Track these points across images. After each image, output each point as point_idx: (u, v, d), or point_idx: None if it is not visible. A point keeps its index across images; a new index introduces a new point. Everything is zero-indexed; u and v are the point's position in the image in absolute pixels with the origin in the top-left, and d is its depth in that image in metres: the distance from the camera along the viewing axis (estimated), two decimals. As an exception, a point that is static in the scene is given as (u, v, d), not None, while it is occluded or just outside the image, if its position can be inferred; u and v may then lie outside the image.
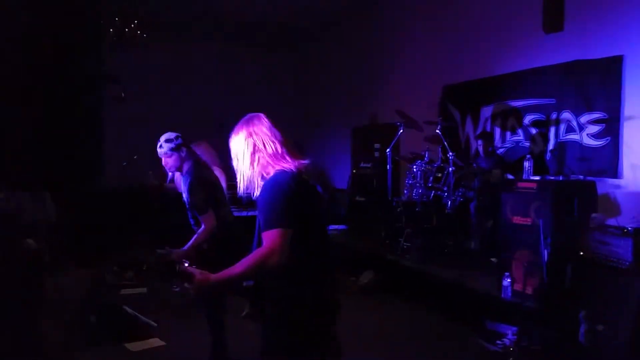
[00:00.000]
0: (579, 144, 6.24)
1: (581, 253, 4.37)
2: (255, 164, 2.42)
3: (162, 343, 5.02)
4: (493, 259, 5.88)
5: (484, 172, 6.52)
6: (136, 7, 8.34)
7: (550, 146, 6.58)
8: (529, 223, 4.85)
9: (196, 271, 2.25)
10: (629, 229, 4.12)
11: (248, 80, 11.60)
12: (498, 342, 4.62)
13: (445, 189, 6.63)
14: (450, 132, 7.71)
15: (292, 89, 12.64)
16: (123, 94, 7.17)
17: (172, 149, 4.00)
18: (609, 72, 5.88)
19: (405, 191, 7.29)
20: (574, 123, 6.31)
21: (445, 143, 6.87)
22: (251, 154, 2.43)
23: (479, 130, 7.64)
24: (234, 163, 2.50)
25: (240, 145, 2.46)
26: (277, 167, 2.38)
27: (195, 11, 9.79)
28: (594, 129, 6.08)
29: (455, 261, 6.26)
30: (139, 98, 10.06)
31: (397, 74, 9.48)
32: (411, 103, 8.38)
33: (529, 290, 4.80)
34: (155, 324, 5.38)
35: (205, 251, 3.92)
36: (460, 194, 6.67)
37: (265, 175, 2.42)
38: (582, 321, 4.12)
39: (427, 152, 7.03)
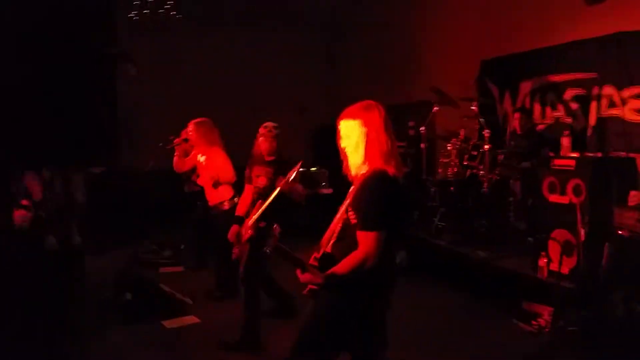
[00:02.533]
0: (621, 120, 5.99)
1: (619, 232, 4.24)
2: (363, 153, 2.45)
3: (197, 320, 5.13)
4: (530, 239, 5.75)
5: (524, 151, 6.33)
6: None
7: (592, 122, 6.36)
8: (567, 202, 4.72)
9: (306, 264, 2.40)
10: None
11: (278, 59, 11.52)
12: (533, 322, 4.56)
13: (481, 167, 6.50)
14: (488, 109, 7.52)
15: (324, 67, 12.52)
16: (136, 70, 7.23)
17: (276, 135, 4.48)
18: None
19: (439, 170, 7.18)
20: (617, 98, 6.06)
21: (482, 120, 6.71)
22: (365, 144, 2.44)
23: (518, 106, 7.43)
24: (342, 143, 2.53)
25: (354, 130, 2.48)
26: (379, 165, 2.41)
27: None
28: (637, 103, 5.83)
29: (490, 241, 6.14)
30: (167, 79, 10.16)
31: (432, 49, 9.27)
32: (447, 79, 8.19)
33: (565, 270, 4.69)
34: (191, 301, 5.50)
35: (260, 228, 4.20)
36: (497, 172, 6.53)
37: (365, 166, 2.45)
38: (620, 301, 4.01)
39: (462, 130, 6.88)
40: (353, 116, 2.48)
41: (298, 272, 2.41)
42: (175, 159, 5.63)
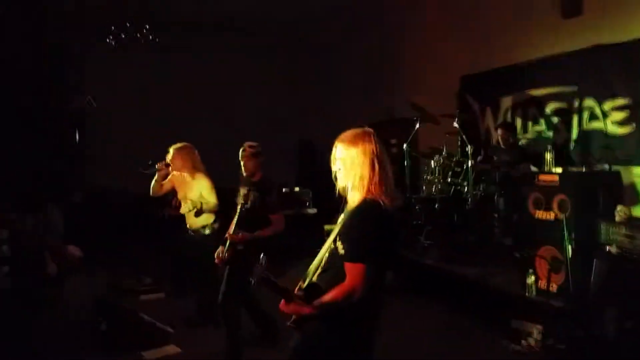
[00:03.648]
0: (603, 132, 5.99)
1: (607, 248, 4.18)
2: (356, 181, 2.39)
3: (179, 350, 4.97)
4: (517, 254, 5.69)
5: (508, 165, 6.30)
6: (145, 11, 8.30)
7: (574, 135, 6.35)
8: (552, 218, 4.67)
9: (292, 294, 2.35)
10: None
11: (257, 77, 11.49)
12: (522, 341, 4.49)
13: (465, 183, 6.45)
14: (469, 125, 7.50)
15: (304, 84, 12.50)
16: (93, 101, 7.14)
17: (253, 154, 4.43)
18: (632, 56, 5.61)
19: (423, 187, 7.12)
20: (598, 110, 6.06)
21: (464, 136, 6.68)
22: (359, 172, 2.38)
23: (499, 121, 7.42)
24: (336, 168, 2.47)
25: (349, 156, 2.41)
26: (372, 195, 2.35)
27: (201, 12, 9.72)
28: (618, 115, 5.82)
29: (477, 258, 6.07)
30: (142, 101, 10.07)
31: (413, 65, 9.27)
32: (428, 96, 8.18)
33: (553, 288, 4.62)
34: (172, 330, 5.33)
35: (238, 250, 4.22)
36: (481, 188, 6.48)
37: (357, 194, 2.40)
38: (611, 319, 3.94)
39: (445, 146, 6.84)
40: (349, 142, 2.43)
41: (283, 302, 2.35)
42: (153, 183, 5.49)
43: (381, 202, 2.33)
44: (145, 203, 6.70)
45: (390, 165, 2.45)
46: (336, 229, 2.46)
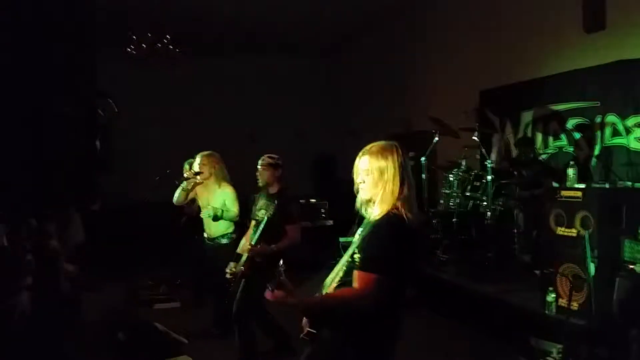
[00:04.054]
0: (626, 149, 5.89)
1: (631, 266, 4.08)
2: (380, 194, 2.35)
3: (191, 361, 4.94)
4: (536, 272, 5.59)
5: (529, 180, 6.21)
6: (165, 23, 8.37)
7: (596, 151, 6.25)
8: (574, 234, 4.57)
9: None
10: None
11: (278, 89, 11.55)
12: (541, 360, 4.38)
13: (484, 198, 6.37)
14: (489, 139, 7.43)
15: (323, 97, 12.54)
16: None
17: (272, 165, 4.44)
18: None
19: (441, 201, 7.04)
20: (620, 126, 5.97)
21: (483, 150, 6.61)
22: (384, 185, 2.34)
23: (520, 136, 7.34)
24: (360, 180, 2.42)
25: (374, 169, 2.36)
26: (395, 208, 2.31)
27: (223, 22, 9.78)
28: (642, 132, 5.74)
29: (496, 274, 5.97)
30: (162, 108, 10.16)
31: (432, 79, 9.25)
32: (447, 109, 8.13)
33: (574, 306, 4.51)
34: (186, 341, 5.30)
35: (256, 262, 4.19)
36: (500, 203, 6.39)
37: (379, 208, 2.35)
38: (633, 339, 3.83)
39: (464, 160, 6.78)
40: (378, 154, 2.39)
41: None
42: (180, 192, 5.38)
43: (405, 217, 2.29)
44: (162, 212, 6.70)
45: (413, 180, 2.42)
46: (354, 242, 2.41)
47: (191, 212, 6.16)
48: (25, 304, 4.45)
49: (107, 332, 5.03)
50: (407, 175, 2.37)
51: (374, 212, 2.38)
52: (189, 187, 5.36)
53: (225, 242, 5.24)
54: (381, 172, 2.35)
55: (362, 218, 2.50)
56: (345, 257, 2.41)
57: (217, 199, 5.24)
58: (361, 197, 2.43)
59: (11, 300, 4.25)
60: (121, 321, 5.07)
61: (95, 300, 6.45)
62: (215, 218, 5.16)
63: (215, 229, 5.30)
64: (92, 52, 4.19)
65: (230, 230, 5.29)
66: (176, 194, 5.39)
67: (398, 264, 2.25)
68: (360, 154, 2.45)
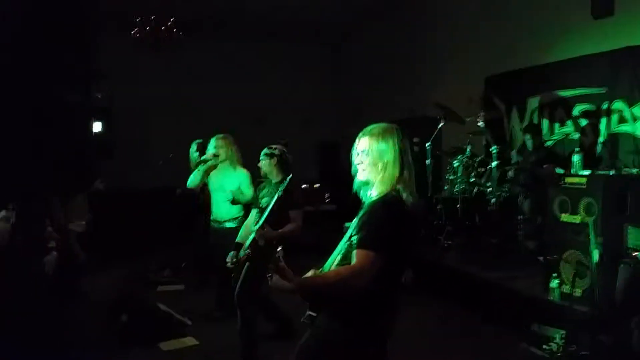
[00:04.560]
0: (632, 136, 5.85)
1: (634, 253, 4.07)
2: (378, 176, 2.34)
3: (196, 342, 4.98)
4: (540, 259, 5.58)
5: (533, 166, 6.19)
6: (170, 7, 8.32)
7: (602, 138, 6.21)
8: (578, 221, 4.56)
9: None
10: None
11: (284, 75, 11.51)
12: (545, 346, 4.38)
13: (488, 184, 6.35)
14: (494, 125, 7.39)
15: (328, 83, 12.49)
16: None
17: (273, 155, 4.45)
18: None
19: (445, 187, 7.03)
20: (627, 113, 5.92)
21: (489, 136, 6.58)
22: (383, 167, 2.33)
23: (526, 122, 7.30)
24: (358, 161, 2.40)
25: (384, 153, 2.34)
26: (392, 190, 2.29)
27: (230, 9, 9.72)
28: (649, 119, 5.70)
29: (499, 260, 5.97)
30: (175, 96, 10.15)
31: (437, 65, 9.19)
32: (452, 95, 8.09)
33: (577, 292, 4.52)
34: (190, 322, 5.34)
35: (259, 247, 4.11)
36: (505, 189, 6.38)
37: (377, 189, 2.34)
38: (636, 327, 3.83)
39: (469, 146, 6.75)
40: (378, 136, 2.37)
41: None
42: (197, 175, 5.33)
43: (404, 198, 2.28)
44: (167, 195, 6.73)
45: (413, 164, 2.40)
46: (352, 225, 2.38)
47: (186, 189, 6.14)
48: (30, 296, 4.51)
49: (111, 314, 5.08)
50: (407, 159, 2.35)
51: (372, 195, 2.37)
52: (210, 170, 5.33)
53: (232, 226, 5.21)
54: (380, 154, 2.34)
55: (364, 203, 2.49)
56: (344, 240, 2.39)
57: (232, 182, 5.20)
58: (359, 178, 2.42)
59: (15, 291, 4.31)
60: (125, 303, 5.10)
61: (100, 282, 6.53)
62: (233, 201, 5.14)
63: (227, 212, 5.26)
64: (90, 36, 4.19)
65: (241, 214, 5.26)
66: (192, 177, 5.36)
67: (395, 243, 2.22)
68: (360, 134, 2.43)
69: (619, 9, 5.99)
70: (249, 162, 5.25)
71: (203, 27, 9.91)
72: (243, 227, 4.60)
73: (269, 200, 4.24)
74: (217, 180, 5.30)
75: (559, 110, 6.86)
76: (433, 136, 7.06)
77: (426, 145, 7.03)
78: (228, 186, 5.17)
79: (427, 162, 7.03)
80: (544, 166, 6.01)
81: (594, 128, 6.28)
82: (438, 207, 6.94)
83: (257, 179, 4.80)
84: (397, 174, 2.31)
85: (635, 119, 5.84)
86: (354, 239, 2.27)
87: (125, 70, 9.31)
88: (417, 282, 6.22)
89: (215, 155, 5.22)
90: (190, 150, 6.00)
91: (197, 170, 5.34)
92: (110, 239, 7.34)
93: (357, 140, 2.43)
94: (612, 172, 4.79)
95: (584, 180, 4.60)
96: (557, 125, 6.93)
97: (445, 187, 7.04)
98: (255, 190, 4.76)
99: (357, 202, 2.54)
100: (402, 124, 2.53)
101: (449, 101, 7.36)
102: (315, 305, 2.35)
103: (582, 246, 4.46)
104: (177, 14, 8.43)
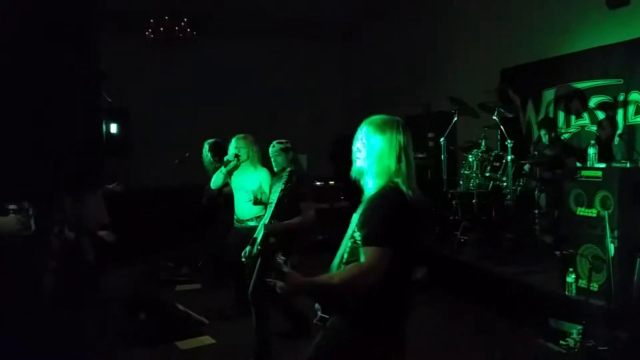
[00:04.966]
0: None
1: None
2: (384, 170, 2.34)
3: (213, 341, 5.02)
4: (557, 253, 5.53)
5: (551, 160, 6.12)
6: (181, 5, 8.38)
7: (619, 130, 6.13)
8: (595, 215, 4.51)
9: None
10: None
11: (296, 71, 11.50)
12: (561, 341, 4.34)
13: (504, 178, 6.30)
14: (510, 118, 7.33)
15: (341, 79, 12.45)
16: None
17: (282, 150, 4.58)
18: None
19: (461, 182, 6.98)
20: (644, 104, 5.85)
21: (504, 130, 6.52)
22: (383, 158, 2.33)
23: (541, 115, 7.22)
24: (357, 147, 2.43)
25: (381, 144, 2.35)
26: (392, 182, 2.30)
27: (239, 7, 9.74)
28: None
29: (515, 256, 5.94)
30: (186, 94, 10.21)
31: (452, 59, 9.12)
32: (467, 89, 8.01)
33: (594, 287, 4.48)
34: (207, 321, 5.38)
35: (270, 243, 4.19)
36: (521, 183, 6.32)
37: (376, 181, 2.35)
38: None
39: (484, 140, 6.70)
40: (377, 127, 2.38)
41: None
42: (220, 175, 5.34)
43: (404, 191, 2.27)
44: (185, 194, 6.78)
45: (414, 159, 2.40)
46: (352, 221, 2.39)
47: (211, 193, 6.20)
48: (51, 285, 4.57)
49: (129, 312, 5.14)
50: (406, 153, 2.34)
51: (370, 188, 2.37)
52: (233, 170, 5.32)
53: (254, 225, 5.22)
54: (376, 144, 2.35)
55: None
56: (347, 238, 2.40)
57: (253, 181, 5.22)
58: (356, 166, 2.43)
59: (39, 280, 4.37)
60: (143, 302, 5.15)
61: (118, 281, 6.61)
62: (256, 201, 5.15)
63: (249, 212, 5.28)
64: (96, 36, 4.22)
65: (263, 213, 5.27)
66: (215, 178, 5.38)
67: (399, 234, 2.21)
68: (362, 124, 2.45)
69: (635, -1, 5.91)
70: (263, 160, 5.28)
71: (215, 26, 9.95)
72: (260, 224, 4.63)
73: (277, 195, 4.28)
74: (239, 180, 5.32)
75: (575, 103, 6.78)
76: (447, 131, 7.02)
77: (440, 140, 6.99)
78: (249, 186, 5.18)
79: (442, 157, 7.00)
80: (566, 160, 5.95)
81: (611, 120, 6.20)
82: (454, 203, 6.89)
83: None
84: (392, 166, 2.31)
85: (652, 110, 5.76)
86: (356, 235, 2.27)
87: (138, 70, 9.39)
88: (432, 279, 6.22)
89: (237, 156, 5.25)
90: (204, 150, 6.04)
91: (219, 171, 5.38)
92: (126, 238, 7.41)
93: (359, 128, 2.45)
94: (628, 165, 4.73)
95: (599, 173, 4.55)
96: (573, 117, 6.85)
97: (461, 182, 6.99)
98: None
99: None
100: (418, 119, 2.53)
101: (464, 94, 7.31)
102: (326, 307, 2.36)
103: (599, 240, 4.41)
104: (189, 14, 8.49)
